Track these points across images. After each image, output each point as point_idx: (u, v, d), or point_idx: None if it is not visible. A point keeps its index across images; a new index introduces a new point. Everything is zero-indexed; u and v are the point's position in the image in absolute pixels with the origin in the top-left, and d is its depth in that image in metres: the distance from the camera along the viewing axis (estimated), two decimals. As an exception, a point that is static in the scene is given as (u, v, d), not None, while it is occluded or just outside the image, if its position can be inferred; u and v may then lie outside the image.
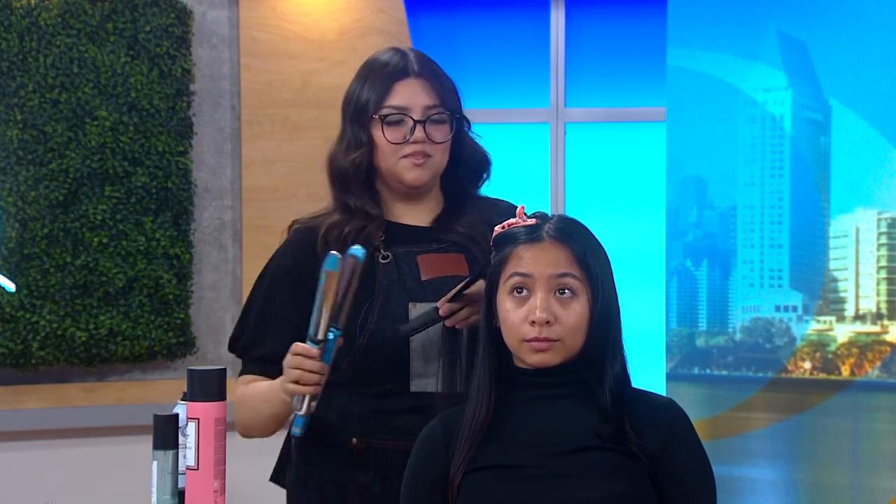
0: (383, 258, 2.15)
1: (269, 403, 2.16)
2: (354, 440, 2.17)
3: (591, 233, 1.97)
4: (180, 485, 1.95)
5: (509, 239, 1.94)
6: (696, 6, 3.93)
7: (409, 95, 2.20)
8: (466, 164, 2.28)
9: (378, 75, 2.21)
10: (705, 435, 3.74)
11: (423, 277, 2.15)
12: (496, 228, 1.98)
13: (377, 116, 2.19)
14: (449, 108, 2.22)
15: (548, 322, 1.86)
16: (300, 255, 2.22)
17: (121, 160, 3.99)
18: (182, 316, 4.07)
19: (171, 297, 4.05)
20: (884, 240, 3.74)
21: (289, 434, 2.25)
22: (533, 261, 1.90)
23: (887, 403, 3.74)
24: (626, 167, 4.35)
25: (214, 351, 4.18)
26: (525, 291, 1.89)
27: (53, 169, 3.92)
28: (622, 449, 1.86)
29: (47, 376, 4.00)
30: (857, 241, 3.77)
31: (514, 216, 1.97)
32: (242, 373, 2.28)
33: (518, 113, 4.35)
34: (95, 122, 3.96)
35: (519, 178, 4.28)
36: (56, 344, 3.93)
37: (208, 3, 4.21)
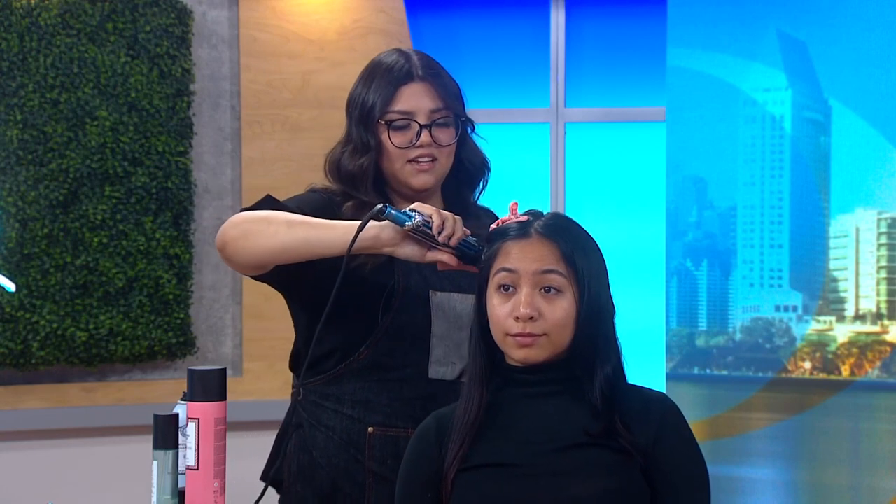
0: None
1: (334, 232, 2.03)
2: (371, 429, 2.18)
3: (583, 230, 1.96)
4: (180, 485, 1.95)
5: (499, 235, 1.95)
6: (696, 6, 3.93)
7: (414, 100, 2.19)
8: (465, 167, 2.28)
9: (382, 79, 2.20)
10: (705, 435, 3.77)
11: (440, 267, 2.11)
12: (491, 225, 1.99)
13: (383, 121, 2.18)
14: (453, 110, 2.22)
15: (531, 318, 1.86)
16: (319, 215, 2.15)
17: (121, 160, 3.99)
18: (182, 316, 4.07)
19: (171, 296, 4.05)
20: (884, 240, 3.74)
21: (282, 430, 2.25)
22: (519, 256, 1.90)
23: (887, 403, 3.74)
24: (626, 167, 4.35)
25: (214, 351, 4.17)
26: (511, 287, 1.90)
27: (53, 169, 3.92)
28: (614, 446, 1.86)
29: (47, 376, 4.00)
30: (857, 241, 3.77)
31: None
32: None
33: (518, 113, 4.35)
34: (95, 122, 3.96)
35: (519, 178, 4.28)
36: (56, 344, 3.93)
37: (208, 3, 4.20)
